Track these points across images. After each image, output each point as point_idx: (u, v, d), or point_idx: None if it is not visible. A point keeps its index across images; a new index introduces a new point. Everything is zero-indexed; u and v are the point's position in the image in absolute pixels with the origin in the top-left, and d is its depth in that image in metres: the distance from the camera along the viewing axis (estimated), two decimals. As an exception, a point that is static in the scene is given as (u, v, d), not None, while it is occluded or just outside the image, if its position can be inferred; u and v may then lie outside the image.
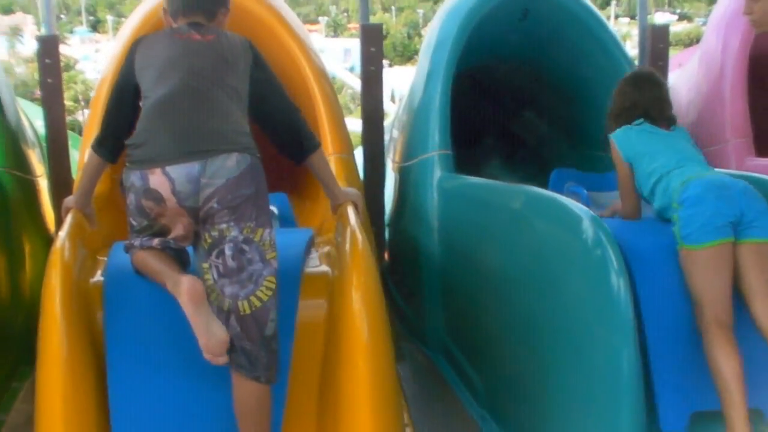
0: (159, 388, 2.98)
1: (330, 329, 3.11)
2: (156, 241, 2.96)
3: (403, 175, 5.10)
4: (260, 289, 2.81)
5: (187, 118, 2.91)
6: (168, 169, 2.82)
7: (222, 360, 2.77)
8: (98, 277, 3.22)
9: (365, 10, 5.20)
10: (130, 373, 2.97)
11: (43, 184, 5.03)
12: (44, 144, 5.18)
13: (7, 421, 3.96)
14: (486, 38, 5.00)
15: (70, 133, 5.23)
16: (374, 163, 5.19)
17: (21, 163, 4.67)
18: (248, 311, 2.79)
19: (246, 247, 2.80)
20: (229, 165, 2.82)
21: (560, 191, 4.24)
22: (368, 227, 4.27)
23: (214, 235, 2.80)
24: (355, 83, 30.43)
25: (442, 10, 5.19)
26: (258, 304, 2.80)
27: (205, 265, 2.84)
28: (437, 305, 4.60)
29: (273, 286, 2.84)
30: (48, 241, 4.80)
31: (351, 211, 3.30)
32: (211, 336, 2.75)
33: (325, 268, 3.32)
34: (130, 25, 4.61)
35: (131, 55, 3.14)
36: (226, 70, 3.05)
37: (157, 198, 2.84)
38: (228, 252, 2.79)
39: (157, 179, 2.83)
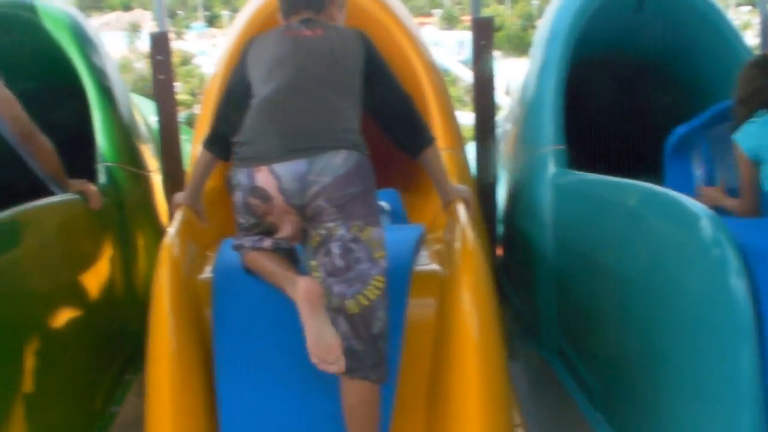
0: (267, 385, 2.98)
1: (439, 329, 3.06)
2: (267, 243, 2.96)
3: (517, 171, 5.02)
4: (368, 288, 2.77)
5: (293, 116, 2.89)
6: (274, 167, 2.80)
7: (331, 368, 2.72)
8: (207, 273, 3.22)
9: (477, 3, 5.12)
10: (238, 370, 2.98)
11: (157, 179, 5.08)
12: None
13: (120, 413, 4.01)
14: (600, 30, 4.88)
15: (185, 127, 5.28)
16: (487, 159, 5.12)
17: (134, 158, 4.73)
18: (356, 310, 2.76)
19: (353, 246, 2.77)
20: (335, 162, 2.78)
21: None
22: (480, 223, 4.21)
23: (322, 233, 2.78)
24: (468, 76, 30.31)
25: (555, 2, 5.08)
26: (366, 303, 2.76)
27: (314, 263, 2.82)
28: (551, 303, 4.50)
29: (381, 285, 2.79)
30: (161, 236, 4.86)
31: (461, 209, 3.23)
32: (320, 341, 2.71)
33: (435, 266, 3.27)
34: (241, 21, 4.63)
35: (244, 55, 3.17)
36: (334, 65, 3.02)
37: (264, 196, 2.83)
38: (335, 251, 2.77)
39: (263, 177, 2.81)
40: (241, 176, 2.88)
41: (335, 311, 2.77)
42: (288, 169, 2.79)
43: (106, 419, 3.93)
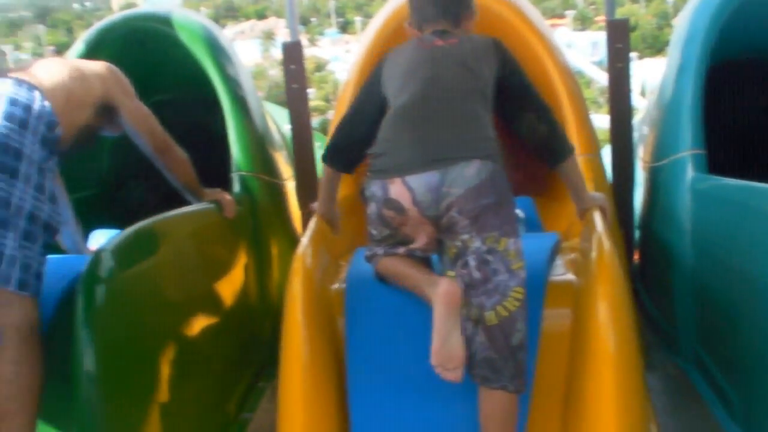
0: (399, 393, 2.98)
1: (575, 340, 3.00)
2: (401, 249, 2.95)
3: (654, 175, 4.89)
4: (507, 300, 2.75)
5: (426, 127, 2.88)
6: (408, 179, 2.80)
7: (449, 375, 2.73)
8: (340, 282, 3.23)
9: (611, 4, 5.01)
10: (370, 378, 3.00)
11: (290, 187, 5.12)
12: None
13: (253, 420, 4.05)
14: (741, 30, 4.71)
15: (319, 134, 5.31)
16: (623, 163, 5.00)
17: (268, 167, 4.78)
18: (495, 321, 2.74)
19: (490, 258, 2.75)
20: (468, 173, 2.76)
21: None
22: (616, 229, 4.12)
23: (458, 245, 2.77)
24: (602, 78, 29.91)
25: (692, 1, 4.93)
26: (505, 314, 2.75)
27: (451, 274, 2.81)
28: (690, 312, 4.37)
29: (520, 296, 2.77)
30: (295, 244, 4.90)
31: (598, 217, 3.16)
32: (446, 345, 2.71)
33: (570, 276, 3.21)
34: (374, 27, 4.64)
35: (378, 70, 3.19)
36: (468, 74, 3.00)
37: (398, 208, 2.83)
38: (472, 263, 2.76)
39: (397, 189, 2.82)
40: (375, 188, 2.88)
41: (474, 322, 2.76)
42: (421, 181, 2.79)
43: (239, 426, 3.98)
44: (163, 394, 3.23)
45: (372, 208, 2.93)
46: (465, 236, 2.76)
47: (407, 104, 2.96)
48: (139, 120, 3.70)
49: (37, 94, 3.19)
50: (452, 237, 2.79)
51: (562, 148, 3.21)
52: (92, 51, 4.80)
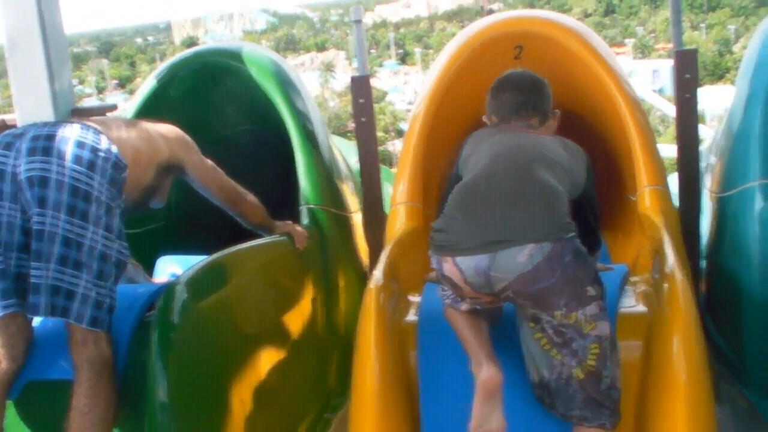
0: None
1: (645, 372, 3.00)
2: (465, 306, 2.97)
3: (722, 205, 4.84)
4: (588, 358, 2.78)
5: (483, 206, 2.88)
6: (458, 259, 2.80)
7: None
8: (411, 316, 3.24)
9: (678, 35, 4.99)
10: (443, 412, 2.99)
11: (357, 219, 5.16)
12: (357, 179, 5.33)
13: (321, 450, 4.08)
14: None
15: (382, 167, 5.35)
16: (691, 193, 4.98)
17: (335, 200, 4.82)
18: (582, 376, 2.78)
19: (563, 329, 2.77)
20: (519, 260, 2.73)
21: None
22: (684, 260, 4.09)
23: (530, 312, 2.81)
24: (663, 105, 29.71)
25: (762, 29, 4.90)
26: (591, 368, 2.78)
27: (532, 325, 2.83)
28: (759, 344, 4.31)
29: (598, 351, 2.79)
30: (362, 276, 4.92)
31: (669, 249, 3.16)
32: (483, 426, 2.80)
33: (641, 308, 3.20)
34: (441, 62, 4.66)
35: (461, 149, 3.20)
36: (543, 159, 2.98)
37: (453, 284, 2.85)
38: (549, 330, 2.78)
39: (449, 268, 2.83)
40: (433, 260, 2.91)
41: (566, 379, 2.80)
42: (470, 264, 2.78)
43: (307, 456, 4.00)
44: (235, 425, 3.27)
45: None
46: (530, 311, 2.80)
47: (470, 183, 2.96)
48: (206, 177, 3.78)
49: (103, 138, 3.27)
50: (521, 306, 2.84)
51: (594, 243, 3.23)
52: (164, 86, 4.90)
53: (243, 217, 3.93)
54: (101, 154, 3.22)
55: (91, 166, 3.16)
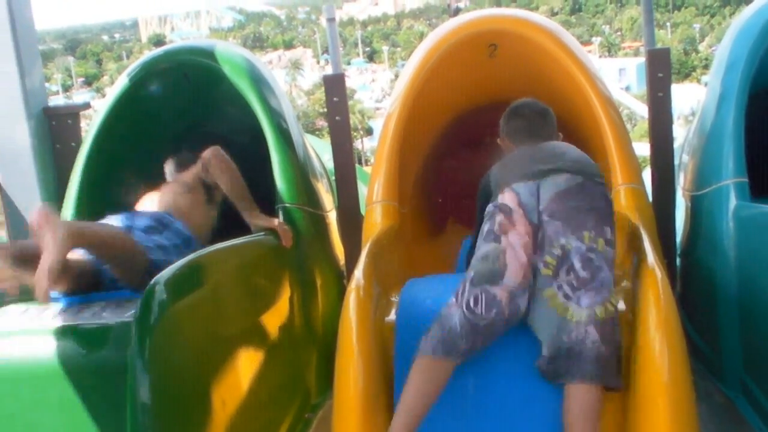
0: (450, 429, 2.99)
1: (627, 370, 3.02)
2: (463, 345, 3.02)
3: (695, 203, 4.88)
4: (612, 295, 2.98)
5: (531, 157, 3.39)
6: (514, 186, 3.23)
7: None
8: (392, 315, 3.25)
9: (650, 34, 5.03)
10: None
11: (332, 218, 5.15)
12: (332, 178, 5.32)
13: (300, 451, 4.06)
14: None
15: (359, 167, 5.34)
16: (665, 192, 5.01)
17: (311, 199, 4.80)
18: (604, 316, 2.94)
19: (592, 256, 2.99)
20: (558, 182, 3.17)
21: None
22: (661, 257, 4.12)
23: (557, 253, 2.99)
24: (631, 103, 29.94)
25: (732, 28, 4.94)
26: (612, 308, 2.97)
27: (550, 292, 2.99)
28: (735, 341, 4.35)
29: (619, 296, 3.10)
30: (338, 275, 4.91)
31: (648, 246, 3.18)
32: None
33: (621, 306, 3.22)
34: (415, 60, 4.66)
35: (489, 176, 3.51)
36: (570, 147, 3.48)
37: (507, 210, 3.16)
38: (577, 264, 2.98)
39: (507, 195, 3.21)
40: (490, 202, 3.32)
41: (585, 324, 2.93)
42: (524, 189, 3.20)
43: (286, 457, 3.98)
44: (215, 425, 3.25)
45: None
46: (563, 240, 3.00)
47: (517, 154, 3.49)
48: (235, 192, 4.27)
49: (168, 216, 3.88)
50: (550, 247, 3.01)
51: None
52: (136, 85, 4.85)
53: (249, 210, 4.24)
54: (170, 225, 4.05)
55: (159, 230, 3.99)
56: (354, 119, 35.43)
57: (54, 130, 5.48)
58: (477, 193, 3.54)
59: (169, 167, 4.64)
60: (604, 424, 2.98)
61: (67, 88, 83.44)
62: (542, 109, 3.73)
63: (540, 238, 3.07)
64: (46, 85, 5.90)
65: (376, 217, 4.24)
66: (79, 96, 68.81)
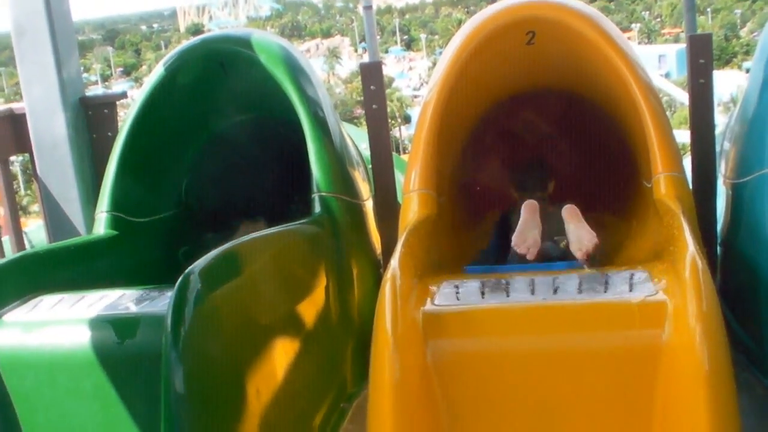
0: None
1: (667, 361, 2.96)
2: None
3: (737, 192, 4.81)
4: None
5: None
6: None
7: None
8: (429, 305, 3.22)
9: (692, 20, 4.95)
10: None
11: (369, 207, 5.13)
12: (369, 166, 5.30)
13: (336, 440, 4.06)
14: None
15: (395, 155, 5.32)
16: (706, 180, 4.94)
17: (348, 187, 4.79)
18: None
19: None
20: None
21: None
22: (701, 247, 4.07)
23: None
24: (670, 90, 29.70)
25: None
26: None
27: None
28: (779, 333, 4.30)
29: None
30: (375, 264, 4.89)
31: (688, 235, 3.13)
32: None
33: (661, 296, 3.16)
34: (452, 48, 4.61)
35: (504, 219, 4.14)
36: None
37: None
38: None
39: None
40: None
41: None
42: None
43: (322, 447, 3.98)
44: (250, 414, 3.25)
45: None
46: None
47: None
48: None
49: None
50: None
51: None
52: (172, 74, 4.86)
53: None
54: None
55: None
56: (392, 107, 35.47)
57: (90, 119, 5.51)
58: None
59: None
60: (639, 414, 2.95)
61: (106, 78, 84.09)
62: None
63: None
64: (86, 75, 5.94)
65: (413, 207, 4.21)
66: (118, 86, 69.37)
